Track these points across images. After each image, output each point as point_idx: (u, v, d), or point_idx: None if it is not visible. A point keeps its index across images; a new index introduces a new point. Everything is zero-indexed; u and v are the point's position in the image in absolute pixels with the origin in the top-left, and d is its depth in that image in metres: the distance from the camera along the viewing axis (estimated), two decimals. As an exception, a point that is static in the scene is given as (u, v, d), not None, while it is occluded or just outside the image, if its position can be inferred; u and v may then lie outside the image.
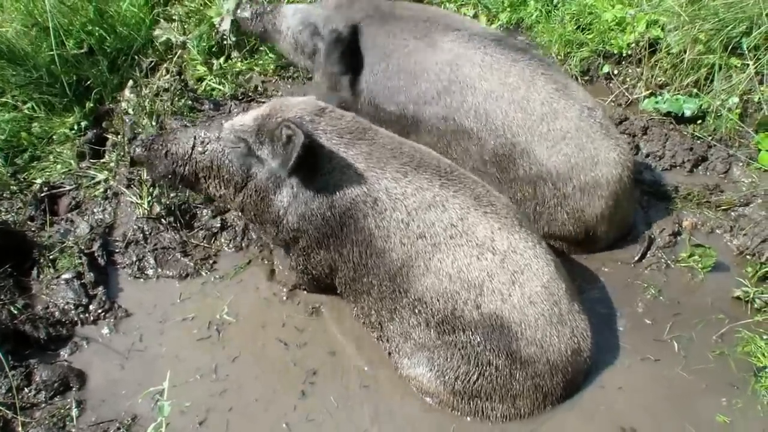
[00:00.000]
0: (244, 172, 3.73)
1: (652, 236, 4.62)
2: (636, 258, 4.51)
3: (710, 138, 5.21)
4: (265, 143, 3.64)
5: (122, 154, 4.84)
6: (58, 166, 4.86)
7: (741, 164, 5.09)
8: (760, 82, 5.27)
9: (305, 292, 4.28)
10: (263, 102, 5.29)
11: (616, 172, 4.26)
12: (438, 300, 3.59)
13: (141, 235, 4.46)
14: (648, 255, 4.54)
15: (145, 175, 4.42)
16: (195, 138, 3.79)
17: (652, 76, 5.52)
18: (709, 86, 5.37)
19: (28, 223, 4.49)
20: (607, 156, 4.24)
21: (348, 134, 3.70)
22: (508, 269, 3.56)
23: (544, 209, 4.36)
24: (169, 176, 3.84)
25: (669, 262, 4.51)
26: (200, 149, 3.76)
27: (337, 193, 3.63)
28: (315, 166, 3.60)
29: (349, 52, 4.52)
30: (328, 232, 3.72)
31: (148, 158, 3.84)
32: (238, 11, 5.00)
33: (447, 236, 3.57)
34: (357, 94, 4.63)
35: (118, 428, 3.65)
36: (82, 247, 4.34)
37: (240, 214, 3.97)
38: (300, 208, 3.70)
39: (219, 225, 4.56)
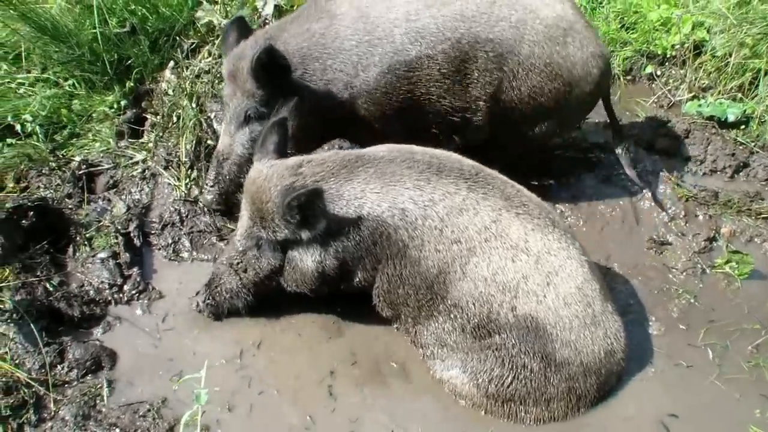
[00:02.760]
0: (279, 259, 3.79)
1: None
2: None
3: (753, 144, 5.13)
4: (280, 228, 3.64)
5: (161, 134, 4.86)
6: (97, 144, 4.86)
7: (783, 172, 5.01)
8: (807, 90, 5.17)
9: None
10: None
11: (561, 7, 4.22)
12: (474, 304, 3.57)
13: (177, 217, 4.48)
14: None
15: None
16: (230, 265, 3.91)
17: (696, 78, 5.45)
18: (753, 91, 5.29)
19: (66, 200, 4.50)
20: None
21: (342, 169, 3.66)
22: (542, 270, 3.55)
23: (521, 82, 4.24)
24: (246, 304, 3.97)
25: (705, 267, 4.47)
26: (243, 268, 3.88)
27: (360, 217, 3.60)
28: (329, 211, 3.58)
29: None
30: (362, 253, 3.69)
31: (219, 308, 4.02)
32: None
33: (482, 239, 3.55)
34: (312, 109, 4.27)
35: (149, 410, 3.65)
36: (119, 227, 4.36)
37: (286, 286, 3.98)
38: (332, 247, 3.68)
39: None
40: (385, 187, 3.60)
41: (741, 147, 5.13)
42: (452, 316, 3.66)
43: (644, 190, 4.83)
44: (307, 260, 3.70)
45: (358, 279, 3.81)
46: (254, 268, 3.85)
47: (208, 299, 3.99)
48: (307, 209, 3.48)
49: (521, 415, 3.66)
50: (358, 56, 4.17)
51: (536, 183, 4.69)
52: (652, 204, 4.77)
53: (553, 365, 3.55)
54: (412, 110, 4.34)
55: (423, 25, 4.13)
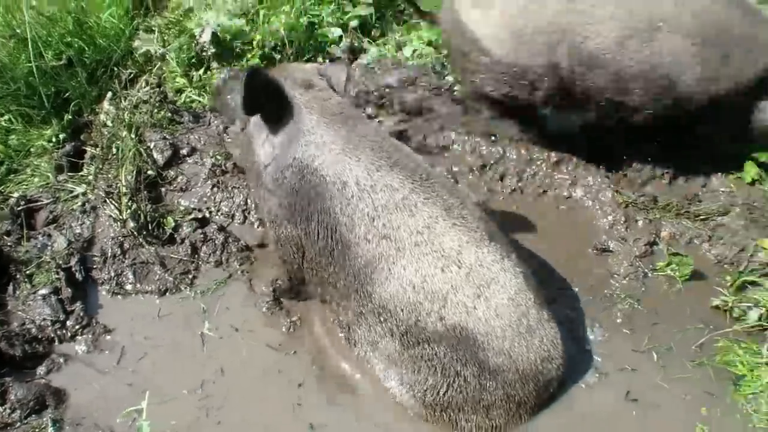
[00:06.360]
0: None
1: None
2: None
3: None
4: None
5: (101, 166, 4.83)
6: (36, 179, 4.82)
7: (720, 175, 5.10)
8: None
9: (285, 302, 4.30)
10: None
11: None
12: (401, 310, 3.57)
13: (119, 249, 4.43)
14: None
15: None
16: None
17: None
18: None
19: (4, 237, 4.44)
20: None
21: (330, 115, 3.81)
22: (473, 282, 3.53)
23: None
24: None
25: (647, 271, 4.53)
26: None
27: (309, 167, 3.70)
28: (294, 134, 3.79)
29: None
30: (294, 203, 3.77)
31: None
32: None
33: (412, 243, 3.55)
34: None
35: (97, 447, 3.62)
36: (60, 262, 4.30)
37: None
38: (276, 172, 3.84)
39: (201, 238, 4.55)
40: (342, 154, 3.68)
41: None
42: (381, 318, 3.65)
43: (586, 198, 4.90)
44: (259, 149, 4.00)
45: (288, 233, 3.90)
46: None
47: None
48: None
49: (462, 423, 3.66)
50: None
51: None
52: (594, 211, 4.84)
53: (487, 373, 3.55)
54: None
55: None
